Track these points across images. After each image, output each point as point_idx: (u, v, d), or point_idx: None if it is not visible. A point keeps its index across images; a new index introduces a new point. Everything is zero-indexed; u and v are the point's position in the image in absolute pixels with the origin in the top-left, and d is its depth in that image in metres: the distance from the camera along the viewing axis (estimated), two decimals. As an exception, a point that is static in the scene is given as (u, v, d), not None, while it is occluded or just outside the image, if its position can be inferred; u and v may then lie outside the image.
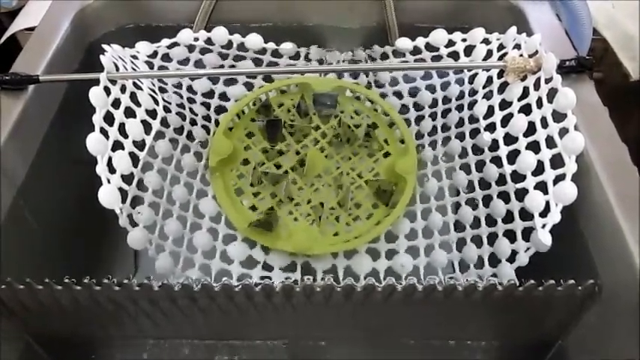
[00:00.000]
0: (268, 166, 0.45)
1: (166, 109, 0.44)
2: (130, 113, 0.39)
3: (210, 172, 0.44)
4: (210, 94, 0.49)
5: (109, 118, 0.36)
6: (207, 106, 0.49)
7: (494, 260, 0.38)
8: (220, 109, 0.49)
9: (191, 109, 0.47)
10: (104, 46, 0.40)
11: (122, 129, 0.37)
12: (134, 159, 0.37)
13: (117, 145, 0.36)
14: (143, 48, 0.45)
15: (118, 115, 0.37)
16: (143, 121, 0.40)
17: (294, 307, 0.33)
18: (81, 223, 0.44)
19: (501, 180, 0.40)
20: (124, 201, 0.35)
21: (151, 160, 0.40)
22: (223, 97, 0.50)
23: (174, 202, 0.41)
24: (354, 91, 0.49)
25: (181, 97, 0.47)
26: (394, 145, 0.47)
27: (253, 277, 0.40)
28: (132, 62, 0.43)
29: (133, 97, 0.40)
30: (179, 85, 0.47)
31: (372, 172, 0.46)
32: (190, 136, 0.46)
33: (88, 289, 0.31)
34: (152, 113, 0.41)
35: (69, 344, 0.38)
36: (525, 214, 0.37)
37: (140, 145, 0.39)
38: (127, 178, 0.36)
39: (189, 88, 0.48)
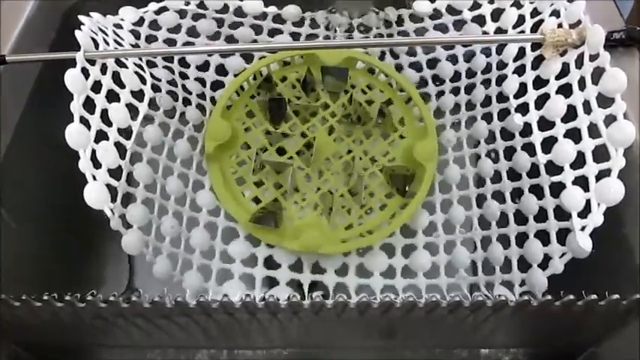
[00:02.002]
0: (271, 152, 0.40)
1: (155, 88, 0.39)
2: (113, 96, 0.34)
3: (207, 159, 0.40)
4: (204, 66, 0.44)
5: (89, 104, 0.32)
6: (202, 81, 0.44)
7: (523, 264, 0.34)
8: (217, 85, 0.44)
9: (184, 86, 0.42)
10: (81, 17, 0.35)
11: (105, 116, 0.33)
12: (121, 149, 0.33)
13: (100, 135, 0.32)
14: (128, 14, 0.40)
15: (100, 100, 0.33)
16: (128, 105, 0.35)
17: (302, 320, 0.29)
18: (68, 221, 0.40)
19: (534, 171, 0.35)
20: (113, 199, 0.31)
21: (139, 150, 0.35)
22: (220, 70, 0.44)
23: (169, 197, 0.37)
24: (367, 62, 0.44)
25: (172, 72, 0.42)
26: (411, 125, 0.42)
27: (256, 277, 0.37)
28: (115, 33, 0.38)
29: (116, 76, 0.35)
30: (170, 59, 0.42)
31: (387, 157, 0.41)
32: (183, 119, 0.41)
33: (71, 306, 0.28)
34: (139, 94, 0.36)
35: (58, 351, 0.36)
36: (561, 213, 0.32)
37: (126, 132, 0.34)
38: (115, 173, 0.32)
39: (182, 61, 0.43)
